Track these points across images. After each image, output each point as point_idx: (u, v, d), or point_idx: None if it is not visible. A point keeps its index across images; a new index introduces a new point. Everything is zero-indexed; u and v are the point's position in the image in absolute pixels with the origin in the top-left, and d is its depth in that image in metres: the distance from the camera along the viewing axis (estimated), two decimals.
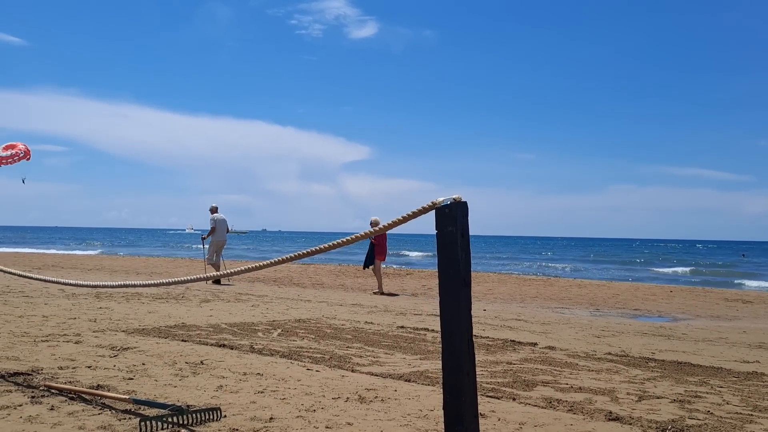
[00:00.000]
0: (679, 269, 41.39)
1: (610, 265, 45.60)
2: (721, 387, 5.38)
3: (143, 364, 5.34)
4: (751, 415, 4.38)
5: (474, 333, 8.40)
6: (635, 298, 16.49)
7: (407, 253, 56.27)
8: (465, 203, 3.19)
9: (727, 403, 4.72)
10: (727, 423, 4.11)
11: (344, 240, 3.73)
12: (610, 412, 4.24)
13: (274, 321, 8.90)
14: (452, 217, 3.09)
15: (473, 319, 9.33)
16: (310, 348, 6.62)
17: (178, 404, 3.88)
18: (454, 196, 3.22)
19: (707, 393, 5.08)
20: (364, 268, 16.71)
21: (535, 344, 7.64)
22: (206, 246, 17.32)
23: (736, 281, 31.15)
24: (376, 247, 15.90)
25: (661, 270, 40.35)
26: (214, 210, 16.70)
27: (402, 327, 8.81)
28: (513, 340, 7.89)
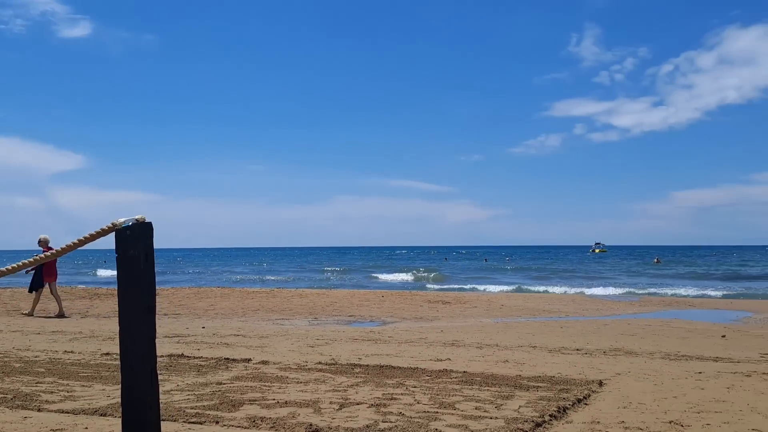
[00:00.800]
0: (400, 275, 44.62)
1: (330, 274, 47.53)
2: (415, 387, 5.83)
3: None
4: (437, 412, 4.79)
5: (188, 354, 8.10)
6: (351, 304, 17.35)
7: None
8: (149, 224, 3.02)
9: (418, 403, 5.12)
10: (415, 422, 4.44)
11: (18, 264, 3.31)
12: (311, 425, 4.33)
13: None
14: (135, 239, 2.90)
15: (189, 339, 8.93)
16: None
17: None
18: (137, 217, 3.03)
19: (402, 394, 5.47)
20: (30, 291, 14.85)
21: (249, 360, 7.59)
22: None
23: (437, 285, 34.47)
24: (44, 267, 14.33)
25: (381, 276, 43.07)
26: None
27: (107, 354, 8.16)
28: (227, 358, 7.74)
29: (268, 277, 43.34)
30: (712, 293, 26.92)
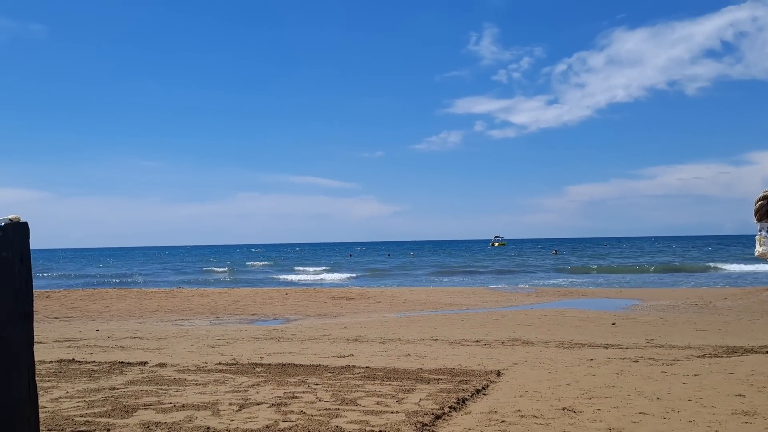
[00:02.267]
0: (302, 275, 44.27)
1: (238, 275, 46.62)
2: (317, 384, 5.79)
3: None
4: (339, 409, 4.77)
5: (79, 358, 7.72)
6: (254, 303, 17.07)
7: None
8: (25, 224, 2.83)
9: (320, 400, 5.08)
10: (316, 420, 4.40)
11: None
12: (208, 428, 4.21)
13: None
14: (8, 242, 2.71)
15: (82, 342, 8.47)
16: None
17: None
18: (11, 216, 2.83)
19: (303, 392, 5.41)
20: None
21: (145, 363, 7.31)
22: None
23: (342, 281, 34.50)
24: None
25: (281, 277, 42.64)
26: None
27: None
28: (122, 362, 7.43)
29: (169, 277, 41.97)
30: (603, 282, 28.39)
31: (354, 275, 39.34)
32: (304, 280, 36.27)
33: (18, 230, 2.76)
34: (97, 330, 11.70)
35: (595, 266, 43.57)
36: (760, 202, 2.19)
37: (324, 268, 50.02)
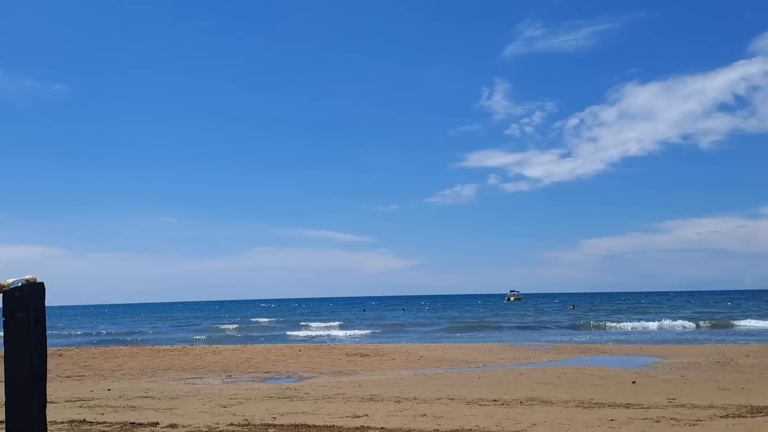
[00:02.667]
0: (315, 330, 43.96)
1: (250, 332, 46.35)
2: None
3: None
4: None
5: (91, 419, 7.62)
6: (267, 360, 16.90)
7: None
8: (41, 284, 2.83)
9: None
10: None
11: None
12: None
13: None
14: (24, 302, 2.71)
15: (93, 402, 8.42)
16: None
17: None
18: (27, 277, 2.83)
19: None
20: None
21: (156, 424, 7.21)
22: None
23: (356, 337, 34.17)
24: None
25: (295, 333, 42.32)
26: None
27: None
28: (133, 422, 7.33)
29: (181, 334, 41.76)
30: (622, 338, 27.89)
31: (368, 331, 38.97)
32: (318, 336, 35.96)
33: (33, 291, 2.76)
34: (109, 389, 11.59)
35: (614, 322, 42.91)
36: None
37: (338, 323, 49.62)
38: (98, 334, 46.64)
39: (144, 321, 69.76)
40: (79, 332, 48.94)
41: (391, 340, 29.78)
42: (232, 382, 12.90)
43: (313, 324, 49.85)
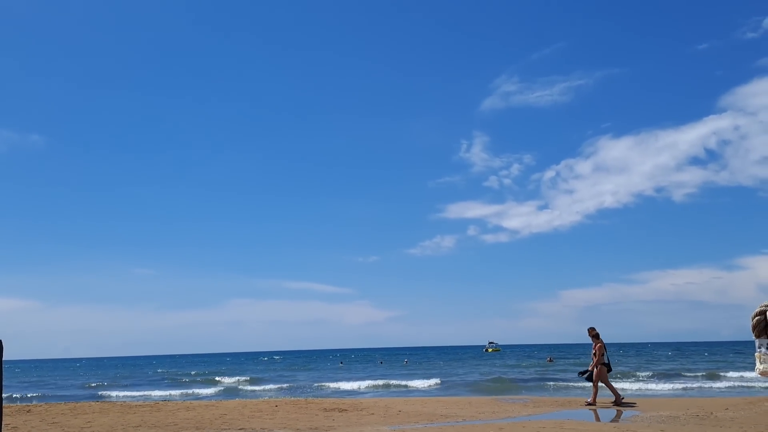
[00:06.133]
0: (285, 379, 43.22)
1: (225, 387, 45.46)
2: None
3: None
4: None
5: None
6: (242, 416, 16.52)
7: None
8: None
9: None
10: None
11: None
12: None
13: None
14: None
15: None
16: None
17: None
18: None
19: None
20: None
21: None
22: None
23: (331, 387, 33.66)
24: None
25: (270, 386, 41.54)
26: None
27: None
28: None
29: (155, 392, 40.76)
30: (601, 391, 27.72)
31: (347, 385, 38.38)
32: (295, 389, 35.34)
33: None
34: None
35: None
36: (756, 318, 2.14)
37: (316, 376, 48.87)
38: (70, 388, 45.44)
39: (117, 375, 68.19)
40: (51, 385, 47.65)
41: (369, 394, 29.32)
42: None
43: (290, 378, 49.04)
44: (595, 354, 17.57)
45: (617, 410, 16.96)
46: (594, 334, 17.52)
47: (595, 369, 17.58)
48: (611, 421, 14.59)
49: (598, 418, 15.36)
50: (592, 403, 17.72)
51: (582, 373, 18.46)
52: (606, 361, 17.61)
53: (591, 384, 18.11)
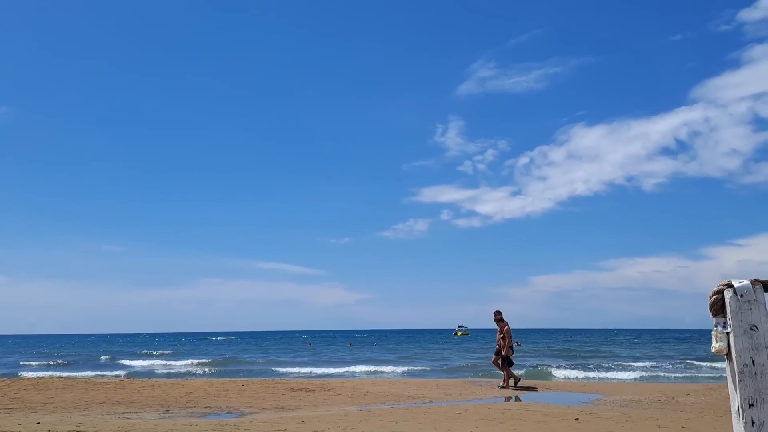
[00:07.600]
0: (259, 359, 43.11)
1: (194, 366, 45.20)
2: None
3: None
4: None
5: None
6: (208, 395, 16.41)
7: None
8: None
9: None
10: None
11: None
12: None
13: None
14: None
15: None
16: None
17: None
18: None
19: None
20: None
21: None
22: None
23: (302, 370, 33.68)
24: None
25: (235, 368, 41.42)
26: None
27: None
28: None
29: (120, 368, 40.42)
30: (566, 375, 28.17)
31: (316, 366, 38.41)
32: (262, 370, 35.26)
33: None
34: (38, 422, 11.02)
35: (558, 360, 43.30)
36: (714, 297, 2.15)
37: (284, 358, 48.81)
38: (33, 365, 44.82)
39: (83, 352, 67.42)
40: (14, 362, 46.96)
41: (338, 375, 29.38)
42: (169, 417, 12.45)
43: (258, 358, 48.91)
44: (503, 337, 17.76)
45: (581, 393, 17.19)
46: (499, 318, 17.70)
47: (510, 350, 17.79)
48: (575, 404, 14.78)
49: (562, 401, 15.55)
50: (506, 386, 17.96)
51: (500, 357, 18.52)
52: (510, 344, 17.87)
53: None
